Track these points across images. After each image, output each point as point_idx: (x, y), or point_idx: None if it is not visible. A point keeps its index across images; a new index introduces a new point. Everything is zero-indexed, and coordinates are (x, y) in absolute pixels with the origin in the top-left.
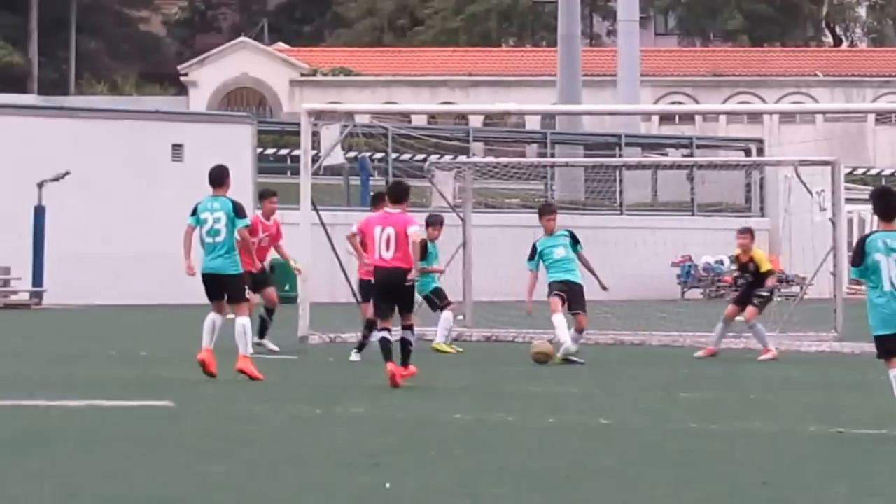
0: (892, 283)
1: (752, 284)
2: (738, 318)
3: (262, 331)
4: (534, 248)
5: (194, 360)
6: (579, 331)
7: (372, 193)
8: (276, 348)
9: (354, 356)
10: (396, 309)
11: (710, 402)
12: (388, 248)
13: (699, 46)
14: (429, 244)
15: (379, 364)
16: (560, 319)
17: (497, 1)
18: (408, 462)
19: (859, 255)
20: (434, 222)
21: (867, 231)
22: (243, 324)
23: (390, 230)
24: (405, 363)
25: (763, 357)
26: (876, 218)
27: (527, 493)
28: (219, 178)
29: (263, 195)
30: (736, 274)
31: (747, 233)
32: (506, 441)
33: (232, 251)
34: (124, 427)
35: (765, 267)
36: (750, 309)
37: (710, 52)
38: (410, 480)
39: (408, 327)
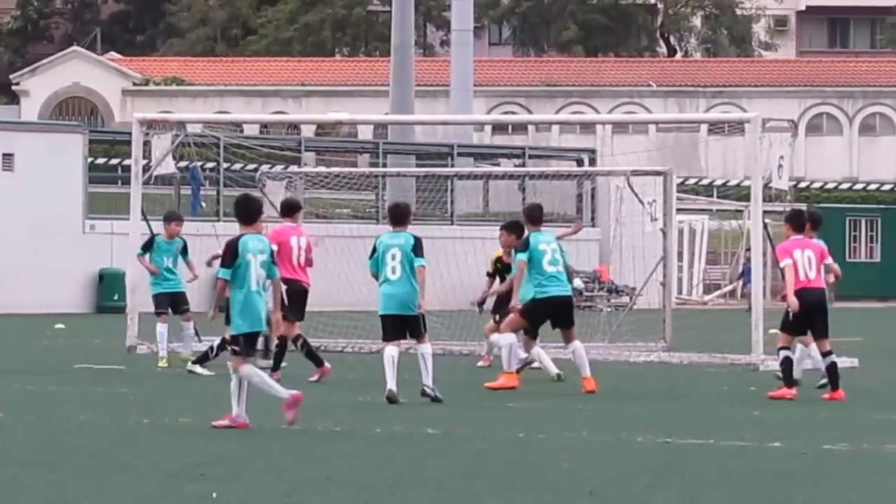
0: (257, 283)
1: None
2: None
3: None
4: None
5: (19, 370)
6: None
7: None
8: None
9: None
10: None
11: (538, 411)
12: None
13: (533, 57)
14: (161, 241)
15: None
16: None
17: (331, 11)
18: (234, 472)
19: (231, 256)
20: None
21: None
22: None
23: None
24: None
25: (482, 364)
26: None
27: (353, 503)
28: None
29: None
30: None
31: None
32: (333, 451)
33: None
34: None
35: None
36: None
37: (544, 62)
38: (237, 490)
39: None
